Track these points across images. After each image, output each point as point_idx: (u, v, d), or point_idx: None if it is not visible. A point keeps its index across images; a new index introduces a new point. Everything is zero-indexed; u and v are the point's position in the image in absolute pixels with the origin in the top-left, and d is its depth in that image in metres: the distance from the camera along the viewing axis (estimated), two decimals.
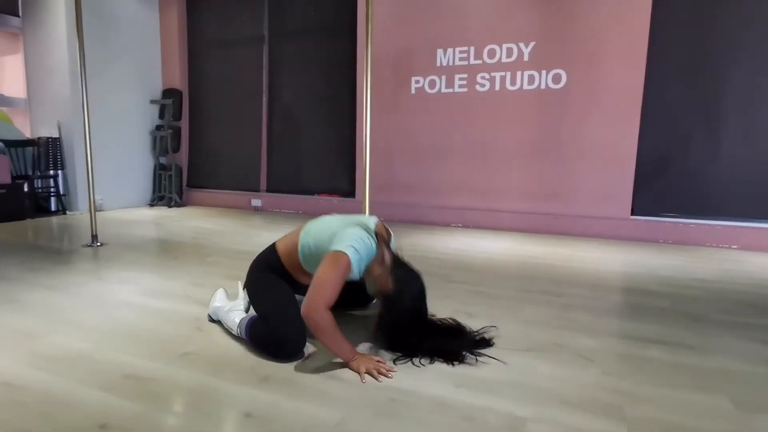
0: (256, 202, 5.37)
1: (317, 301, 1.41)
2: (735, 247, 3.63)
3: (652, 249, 3.52)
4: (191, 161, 5.85)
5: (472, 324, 1.85)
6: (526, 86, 4.06)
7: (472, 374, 1.44)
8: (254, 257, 1.84)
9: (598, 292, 2.37)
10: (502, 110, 4.18)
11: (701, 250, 3.55)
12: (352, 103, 4.82)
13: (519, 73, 4.07)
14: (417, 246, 3.45)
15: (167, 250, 3.18)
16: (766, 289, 2.53)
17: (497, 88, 4.16)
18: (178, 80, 5.66)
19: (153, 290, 2.23)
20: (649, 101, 3.76)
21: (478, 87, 4.23)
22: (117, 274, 2.52)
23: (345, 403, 1.26)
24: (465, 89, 4.28)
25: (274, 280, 1.70)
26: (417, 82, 4.44)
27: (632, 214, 3.90)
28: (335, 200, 4.99)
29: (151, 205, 5.61)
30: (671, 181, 3.87)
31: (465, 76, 4.26)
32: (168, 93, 5.64)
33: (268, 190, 5.43)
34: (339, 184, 5.05)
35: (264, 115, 5.37)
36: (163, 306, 2.01)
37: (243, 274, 2.43)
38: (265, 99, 5.35)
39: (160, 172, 5.62)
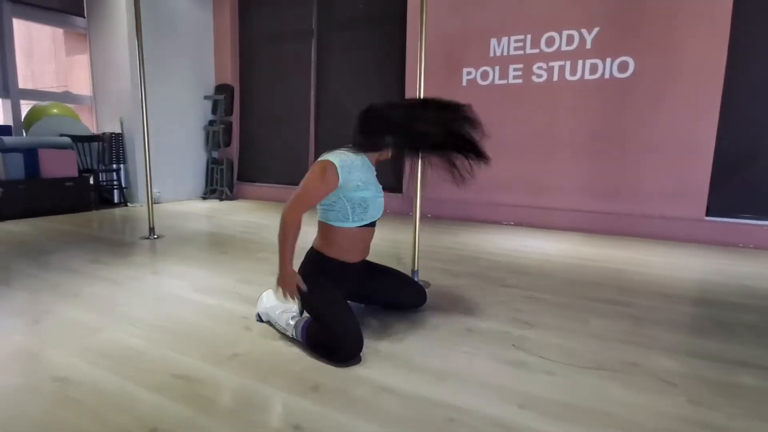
0: None
1: (291, 200, 1.55)
2: None
3: (731, 254, 3.18)
4: (242, 155, 5.97)
5: (530, 335, 1.71)
6: (587, 76, 3.78)
7: (537, 393, 1.31)
8: (303, 257, 1.79)
9: (674, 303, 2.14)
10: (560, 102, 3.92)
11: None
12: (402, 96, 4.71)
13: (580, 62, 3.80)
14: (466, 245, 3.31)
15: (218, 244, 3.23)
16: None
17: (555, 78, 3.90)
18: (230, 76, 5.77)
19: (204, 286, 2.24)
20: (731, 90, 3.39)
21: (534, 78, 3.99)
22: (171, 268, 2.58)
23: (399, 421, 1.17)
24: (520, 80, 4.05)
25: (323, 281, 1.65)
26: (468, 73, 4.26)
27: (707, 214, 3.55)
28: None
29: (204, 198, 5.78)
30: (753, 179, 3.48)
31: (520, 66, 4.03)
32: (220, 88, 5.77)
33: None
34: (385, 179, 4.96)
35: (312, 109, 5.37)
36: (213, 303, 2.01)
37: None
38: (313, 92, 5.35)
39: (212, 165, 5.77)
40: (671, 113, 3.55)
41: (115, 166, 5.00)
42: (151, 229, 3.36)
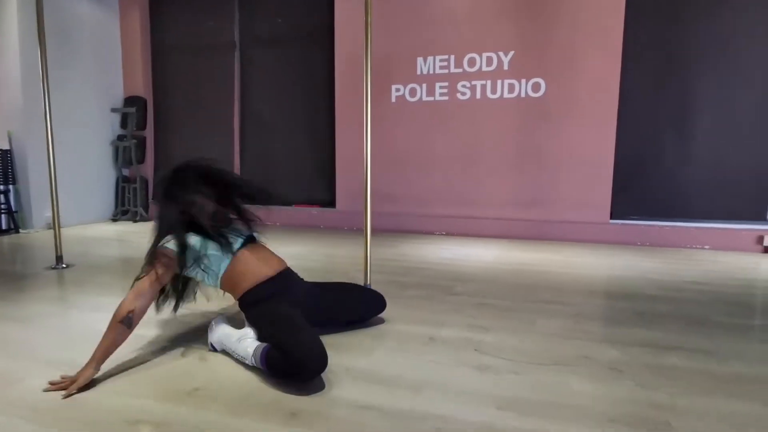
0: None
1: (129, 296, 1.53)
2: (707, 247, 3.80)
3: (632, 252, 3.62)
4: (158, 173, 5.52)
5: (488, 339, 1.80)
6: (506, 95, 4.11)
7: (509, 394, 1.38)
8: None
9: (601, 299, 2.38)
10: (483, 118, 4.21)
11: (676, 251, 3.69)
12: (330, 111, 4.72)
13: (499, 82, 4.12)
14: (407, 256, 3.38)
15: (135, 271, 2.94)
16: (751, 288, 2.64)
17: (478, 96, 4.19)
18: (141, 87, 5.34)
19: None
20: (624, 107, 3.89)
21: (459, 95, 4.24)
22: (91, 300, 2.29)
23: None
24: (446, 97, 4.28)
25: (272, 306, 1.60)
26: (397, 90, 4.40)
27: (611, 218, 4.01)
28: (314, 210, 4.85)
29: (114, 219, 5.24)
30: (646, 185, 4.02)
31: (446, 84, 4.26)
32: (130, 101, 5.32)
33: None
34: (318, 194, 4.91)
35: (236, 124, 5.15)
36: (152, 335, 1.82)
37: (230, 297, 2.30)
38: (237, 107, 5.14)
39: (123, 184, 5.27)
40: (576, 130, 3.98)
41: (2, 187, 4.34)
42: (59, 258, 2.97)
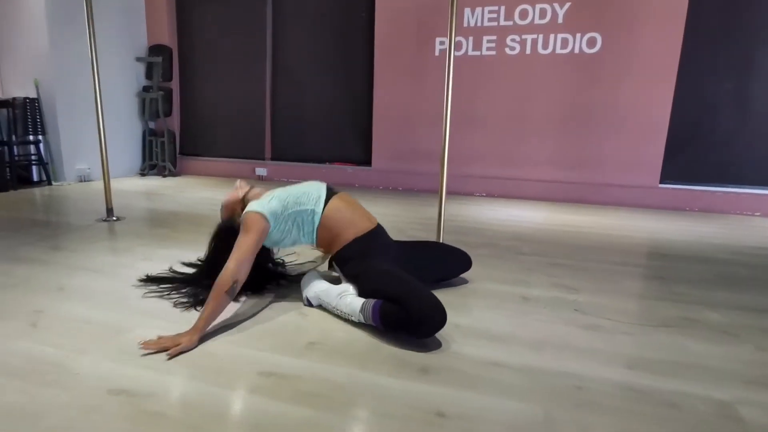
0: (261, 170, 5.03)
1: (230, 264, 1.44)
2: (758, 214, 3.73)
3: (682, 217, 3.56)
4: (185, 126, 5.38)
5: (581, 299, 1.77)
6: (558, 50, 3.92)
7: (632, 353, 1.35)
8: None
9: (675, 262, 2.34)
10: (532, 75, 4.03)
11: (727, 217, 3.62)
12: (369, 64, 4.52)
13: (552, 36, 3.91)
14: (461, 217, 3.32)
15: (195, 224, 2.89)
16: None
17: (528, 51, 3.99)
18: (167, 36, 5.11)
19: None
20: (684, 68, 3.72)
21: (507, 50, 4.04)
22: (159, 252, 2.25)
23: (530, 393, 1.13)
24: (494, 52, 4.08)
25: (374, 263, 1.55)
26: (442, 43, 4.19)
27: (661, 182, 3.92)
28: (350, 169, 4.75)
29: (142, 174, 5.15)
30: (699, 150, 3.90)
31: (494, 38, 4.05)
32: (155, 50, 5.09)
33: (273, 158, 5.10)
34: (353, 152, 4.79)
35: (268, 76, 4.96)
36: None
37: (295, 248, 2.24)
38: (269, 57, 4.93)
39: (150, 138, 5.14)
40: (632, 89, 3.81)
41: (31, 137, 4.23)
42: (109, 210, 2.91)
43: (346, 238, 1.61)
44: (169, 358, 1.25)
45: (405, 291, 1.38)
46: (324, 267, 1.97)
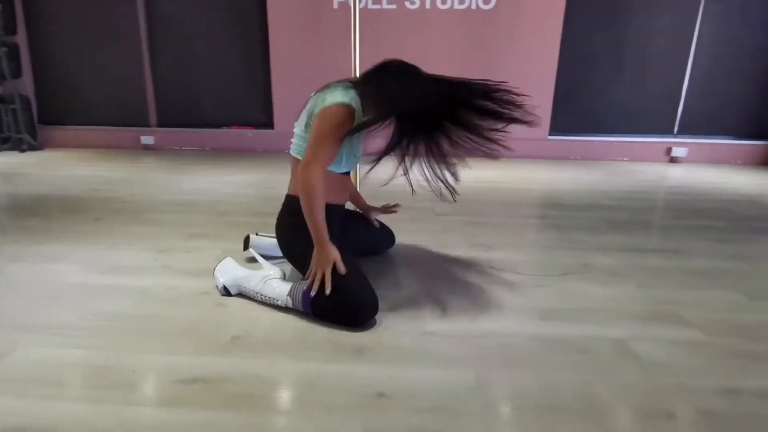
0: (147, 139, 4.48)
1: (318, 157, 1.34)
2: (626, 159, 4.26)
3: (570, 165, 3.94)
4: (42, 90, 4.53)
5: (495, 256, 1.88)
6: (457, 5, 3.93)
7: (544, 305, 1.47)
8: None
9: (570, 211, 2.58)
10: (431, 30, 4.02)
11: (604, 164, 4.09)
12: (263, 19, 4.14)
13: None
14: (370, 179, 3.28)
15: (74, 211, 2.49)
16: (679, 195, 3.05)
17: (428, 6, 3.95)
18: None
19: (108, 265, 1.74)
20: (569, 27, 3.97)
21: (408, 4, 3.96)
22: (33, 249, 1.90)
23: (462, 358, 1.18)
24: (394, 6, 3.97)
25: (304, 230, 1.44)
26: None
27: (549, 134, 4.26)
28: (250, 132, 4.43)
29: None
30: (579, 104, 4.28)
31: None
32: None
33: (161, 125, 4.55)
34: (252, 114, 4.46)
35: (143, 31, 4.31)
36: (145, 284, 1.59)
37: (203, 229, 2.13)
38: (142, 9, 4.26)
39: None
40: (523, 45, 4.00)
41: None
42: None
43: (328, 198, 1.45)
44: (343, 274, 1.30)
45: (339, 282, 1.32)
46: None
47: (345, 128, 1.37)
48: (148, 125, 4.52)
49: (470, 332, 1.31)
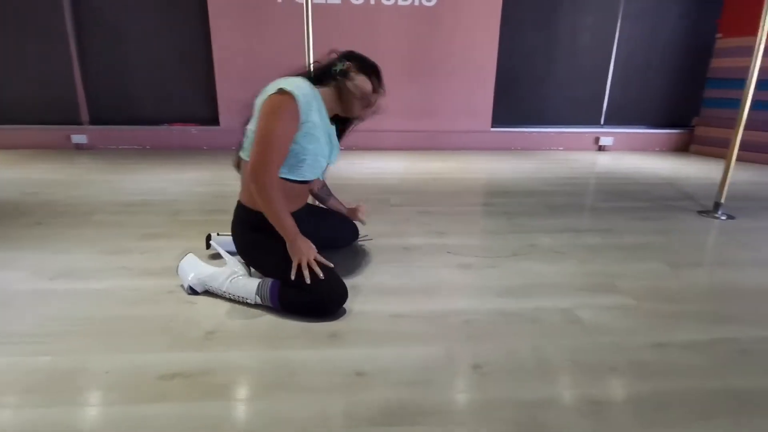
0: (79, 138, 4.19)
1: (266, 158, 1.29)
2: (561, 148, 4.59)
3: (511, 155, 4.19)
4: None
5: (450, 242, 2.00)
6: (401, 1, 4.02)
7: (499, 284, 1.60)
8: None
9: (515, 197, 2.77)
10: (376, 26, 4.09)
11: (541, 153, 4.39)
12: (203, 10, 4.01)
13: None
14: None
15: (9, 216, 2.32)
16: (607, 179, 3.36)
17: (372, 1, 4.01)
18: None
19: (59, 270, 1.67)
20: (507, 23, 4.20)
21: (353, 1, 3.99)
22: None
23: (431, 335, 1.28)
24: (338, 1, 3.99)
25: (274, 241, 1.42)
26: None
27: (492, 126, 4.49)
28: (194, 129, 4.28)
29: None
30: (518, 97, 4.55)
31: None
32: None
33: (94, 123, 4.28)
34: (196, 110, 4.31)
35: (69, 23, 4.02)
36: (103, 286, 1.55)
37: (157, 230, 2.10)
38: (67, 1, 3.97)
39: None
40: (464, 41, 4.18)
41: None
42: None
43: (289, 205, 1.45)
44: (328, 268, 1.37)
45: (313, 276, 1.35)
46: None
47: (289, 118, 1.31)
48: (79, 123, 4.23)
49: (435, 312, 1.41)
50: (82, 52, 4.12)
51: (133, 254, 1.82)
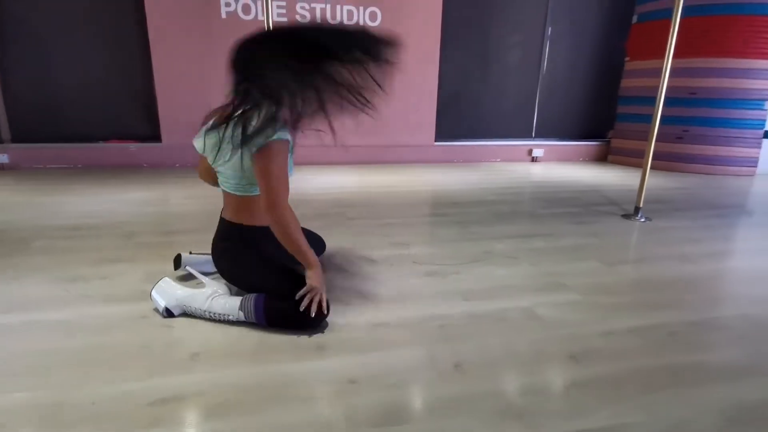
0: (0, 157, 3.84)
1: (281, 197, 1.38)
2: (499, 160, 4.93)
3: (454, 168, 4.44)
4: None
5: (413, 251, 2.13)
6: (346, 21, 4.15)
7: (464, 288, 1.74)
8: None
9: (465, 208, 2.96)
10: None
11: (482, 165, 4.69)
12: (141, 21, 3.87)
13: (339, 7, 4.11)
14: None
15: None
16: (542, 188, 3.67)
17: (318, 20, 4.09)
18: None
19: (12, 303, 1.56)
20: (446, 45, 4.47)
21: (298, 17, 4.06)
22: None
23: (414, 339, 1.37)
24: (284, 18, 4.04)
25: (266, 256, 1.50)
26: (228, 5, 3.90)
27: (435, 140, 4.72)
28: (133, 146, 4.09)
29: None
30: (458, 113, 4.84)
31: (284, 3, 4.00)
32: None
33: (16, 140, 3.95)
34: (135, 126, 4.12)
35: None
36: (65, 316, 1.47)
37: (113, 253, 2.07)
38: None
39: None
40: (410, 63, 4.39)
41: None
42: None
43: (261, 220, 1.49)
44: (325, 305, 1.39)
45: (294, 288, 1.40)
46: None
47: (284, 156, 1.40)
48: None
49: (412, 318, 1.51)
50: (2, 66, 3.80)
51: (92, 280, 1.74)
